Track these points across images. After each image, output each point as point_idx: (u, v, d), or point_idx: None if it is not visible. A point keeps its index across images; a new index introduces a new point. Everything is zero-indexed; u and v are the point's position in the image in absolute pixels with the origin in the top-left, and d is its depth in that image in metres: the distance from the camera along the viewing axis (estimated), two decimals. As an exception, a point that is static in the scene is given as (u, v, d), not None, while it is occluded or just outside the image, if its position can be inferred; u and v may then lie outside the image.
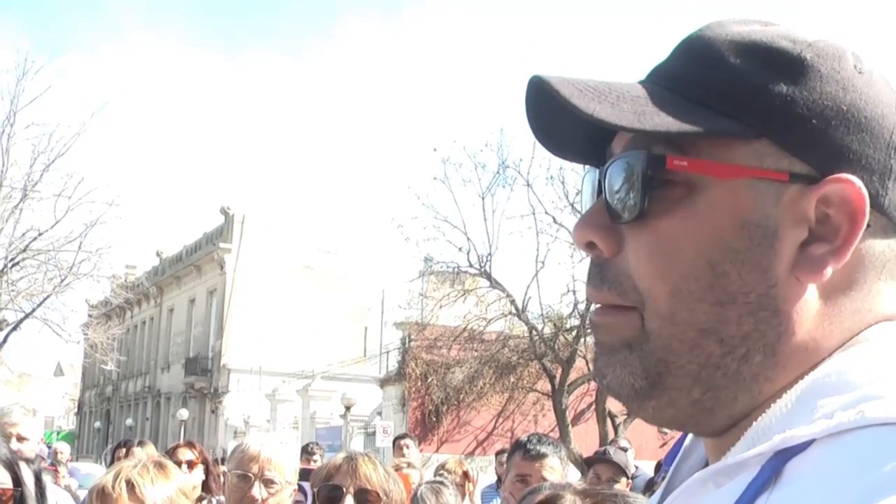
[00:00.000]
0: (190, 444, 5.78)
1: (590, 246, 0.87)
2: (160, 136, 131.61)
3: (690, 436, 0.98)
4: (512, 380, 28.99)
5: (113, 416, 60.79)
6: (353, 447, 23.46)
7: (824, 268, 0.80)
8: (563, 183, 23.42)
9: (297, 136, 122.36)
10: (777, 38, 0.84)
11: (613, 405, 22.86)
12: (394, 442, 9.77)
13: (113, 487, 2.57)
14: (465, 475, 7.00)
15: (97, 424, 62.12)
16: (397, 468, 5.49)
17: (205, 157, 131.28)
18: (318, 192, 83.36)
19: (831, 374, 0.78)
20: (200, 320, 50.26)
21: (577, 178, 20.44)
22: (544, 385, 26.53)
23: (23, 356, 59.91)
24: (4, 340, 30.03)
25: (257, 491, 3.30)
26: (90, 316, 40.78)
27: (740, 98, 0.81)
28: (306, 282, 47.33)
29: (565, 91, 0.82)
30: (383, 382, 31.20)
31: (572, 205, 22.97)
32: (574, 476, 7.86)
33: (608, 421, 23.37)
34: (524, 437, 4.17)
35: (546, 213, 23.84)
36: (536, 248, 24.35)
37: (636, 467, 8.08)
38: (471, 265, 25.57)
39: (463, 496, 6.51)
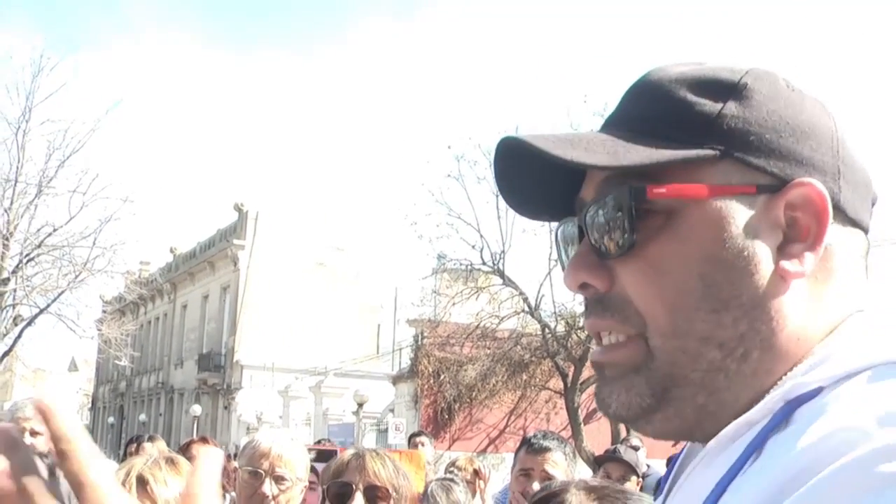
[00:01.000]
0: (203, 440, 5.80)
1: (583, 287, 0.93)
2: (174, 133, 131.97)
3: (688, 446, 1.02)
4: (524, 378, 28.97)
5: (126, 411, 61.00)
6: (365, 444, 23.52)
7: (804, 263, 0.87)
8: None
9: (311, 133, 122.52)
10: (717, 71, 0.92)
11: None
12: (409, 439, 9.77)
13: (123, 485, 2.57)
14: (477, 473, 6.99)
15: (111, 420, 62.34)
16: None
17: (218, 154, 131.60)
18: (331, 189, 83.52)
19: (827, 348, 0.86)
20: (214, 316, 50.38)
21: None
22: (557, 383, 26.51)
23: (37, 351, 60.20)
24: (19, 336, 30.16)
25: (268, 487, 3.30)
26: (104, 311, 40.94)
27: (699, 125, 0.89)
28: (319, 278, 47.40)
29: (542, 144, 0.89)
30: (396, 379, 31.23)
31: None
32: (585, 475, 7.85)
33: (620, 420, 23.33)
34: (530, 434, 4.20)
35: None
36: (550, 245, 24.31)
37: (648, 466, 8.06)
38: (484, 263, 25.57)
39: (474, 494, 6.51)
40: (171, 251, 57.54)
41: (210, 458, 0.99)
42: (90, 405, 72.31)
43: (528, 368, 28.63)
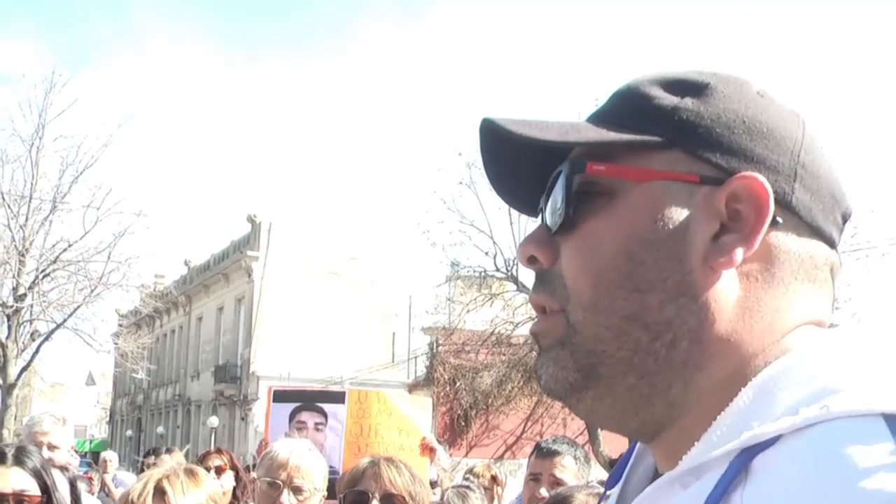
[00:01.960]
0: (219, 451, 5.82)
1: (531, 260, 0.95)
2: (186, 145, 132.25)
3: (636, 451, 1.02)
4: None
5: (144, 424, 61.13)
6: (382, 453, 23.50)
7: (732, 254, 0.86)
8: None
9: (322, 142, 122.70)
10: (688, 73, 0.95)
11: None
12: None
13: (140, 495, 2.59)
14: (494, 479, 7.00)
15: (129, 433, 62.47)
16: None
17: (230, 165, 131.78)
18: (344, 198, 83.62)
19: (784, 371, 0.83)
20: (229, 328, 50.45)
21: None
22: (573, 388, 26.48)
23: (55, 366, 60.33)
24: (37, 351, 30.25)
25: (286, 498, 3.33)
26: (120, 325, 41.10)
27: (653, 116, 0.91)
28: (333, 288, 47.45)
29: (504, 122, 0.92)
30: (412, 388, 31.21)
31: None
32: (602, 478, 7.83)
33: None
34: (542, 439, 4.20)
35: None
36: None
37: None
38: (497, 269, 25.58)
39: (491, 500, 6.53)
40: (186, 264, 57.66)
41: None
42: (108, 418, 72.48)
43: (543, 374, 28.62)
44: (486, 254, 25.42)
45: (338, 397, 5.37)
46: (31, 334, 29.93)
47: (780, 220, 0.87)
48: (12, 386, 28.47)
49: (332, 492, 3.93)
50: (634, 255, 0.87)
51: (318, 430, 5.28)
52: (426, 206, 41.08)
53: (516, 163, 0.98)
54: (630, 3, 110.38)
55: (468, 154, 23.95)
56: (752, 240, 0.86)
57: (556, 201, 0.93)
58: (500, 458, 28.72)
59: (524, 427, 30.30)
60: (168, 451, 8.25)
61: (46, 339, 30.05)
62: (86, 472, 10.36)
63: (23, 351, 29.50)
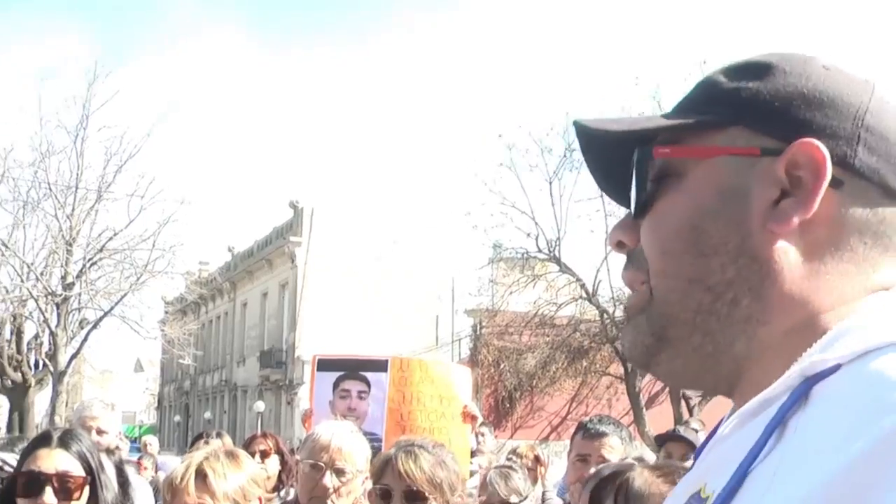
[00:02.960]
0: (265, 435, 5.85)
1: (619, 245, 1.04)
2: (227, 133, 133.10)
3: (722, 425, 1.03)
4: (584, 364, 28.88)
5: (192, 409, 61.79)
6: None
7: (791, 217, 0.89)
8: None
9: (362, 127, 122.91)
10: (753, 56, 1.00)
11: (688, 387, 22.65)
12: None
13: (183, 478, 2.62)
14: (537, 459, 7.00)
15: (177, 418, 63.19)
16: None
17: (272, 152, 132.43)
18: (385, 182, 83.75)
19: (849, 327, 0.85)
20: (273, 314, 50.78)
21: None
22: (617, 368, 26.42)
23: (104, 354, 61.05)
24: (85, 339, 30.71)
25: (329, 480, 3.34)
26: (166, 312, 41.54)
27: (718, 99, 0.97)
28: (376, 272, 47.54)
29: (585, 121, 1.01)
30: (456, 370, 31.23)
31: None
32: (648, 458, 7.80)
33: (683, 403, 23.18)
34: (586, 419, 4.15)
35: (614, 195, 23.69)
36: (605, 231, 24.19)
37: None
38: (540, 250, 25.55)
39: (535, 481, 6.52)
40: (230, 250, 58.06)
41: None
42: (156, 404, 73.39)
43: (587, 355, 28.54)
44: (528, 235, 25.41)
45: (380, 365, 5.40)
46: (80, 322, 30.41)
47: (842, 180, 0.90)
48: (63, 373, 28.91)
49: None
50: (698, 224, 0.94)
51: (361, 398, 5.32)
52: (467, 188, 41.03)
53: (607, 158, 1.05)
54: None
55: (508, 136, 23.92)
56: (811, 203, 0.89)
57: (634, 188, 1.01)
58: (545, 439, 28.74)
59: (569, 408, 30.28)
60: (218, 434, 8.32)
61: (94, 326, 30.50)
62: (138, 458, 10.51)
63: (72, 339, 29.97)
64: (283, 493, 5.26)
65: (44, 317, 29.73)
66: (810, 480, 0.73)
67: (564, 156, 25.18)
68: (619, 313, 25.02)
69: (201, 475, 2.61)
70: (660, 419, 23.97)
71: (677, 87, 23.67)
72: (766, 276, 0.90)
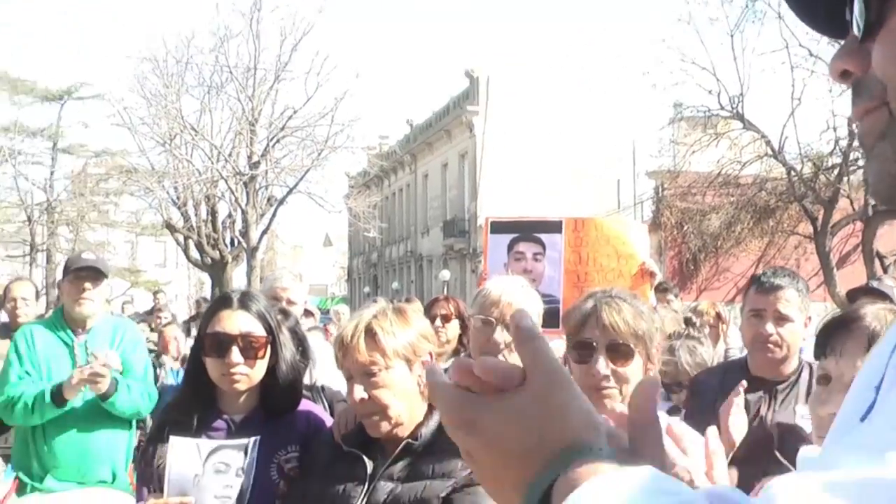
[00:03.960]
0: (447, 299, 5.87)
1: (844, 75, 0.94)
2: (399, 3, 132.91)
3: None
4: (771, 224, 28.01)
5: (380, 280, 63.63)
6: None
7: None
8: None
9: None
10: None
11: (882, 245, 21.75)
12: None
13: (352, 336, 2.65)
14: (718, 317, 6.88)
15: (366, 290, 65.21)
16: None
17: (445, 21, 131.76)
18: (559, 46, 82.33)
19: None
20: (454, 183, 51.28)
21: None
22: (806, 227, 25.59)
23: (294, 230, 63.27)
24: (273, 215, 31.97)
25: (499, 335, 3.34)
26: (350, 187, 42.58)
27: None
28: (554, 138, 47.15)
29: None
30: (638, 233, 30.96)
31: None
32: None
33: (876, 262, 22.32)
34: (761, 272, 3.92)
35: (800, 45, 22.61)
36: (791, 84, 23.22)
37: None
38: (722, 108, 24.75)
39: (716, 339, 6.41)
40: (408, 123, 58.65)
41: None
42: (346, 277, 75.91)
43: (774, 214, 27.65)
44: (710, 92, 24.54)
45: (555, 226, 5.33)
46: (268, 200, 31.63)
47: None
48: (255, 249, 30.24)
49: (551, 322, 3.90)
50: None
51: (536, 260, 5.28)
52: (645, 46, 39.82)
53: None
54: None
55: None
56: None
57: (857, 8, 0.91)
58: (731, 301, 28.26)
59: (755, 269, 29.58)
60: (407, 300, 8.50)
61: (281, 203, 31.66)
62: (324, 325, 10.97)
63: (262, 216, 31.23)
64: (462, 356, 5.27)
65: (234, 196, 31.04)
66: None
67: (746, 6, 24.01)
68: (806, 170, 24.11)
69: (370, 333, 2.63)
70: (851, 279, 23.13)
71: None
72: None
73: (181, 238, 33.03)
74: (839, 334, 2.27)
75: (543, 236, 5.31)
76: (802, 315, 3.57)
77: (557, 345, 2.93)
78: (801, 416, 3.09)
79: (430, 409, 2.67)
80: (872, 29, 0.89)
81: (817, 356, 2.34)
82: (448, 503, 2.56)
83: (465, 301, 5.48)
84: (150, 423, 5.38)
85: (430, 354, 2.74)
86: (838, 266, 23.98)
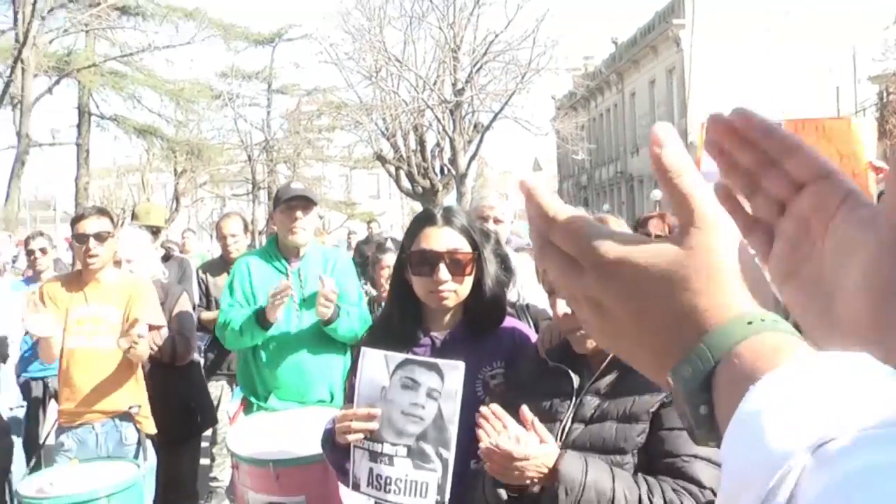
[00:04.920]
0: (660, 216, 5.78)
1: None
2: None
3: None
4: None
5: (591, 202, 63.13)
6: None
7: None
8: None
9: None
10: None
11: None
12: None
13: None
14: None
15: (578, 212, 65.01)
16: None
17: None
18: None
19: None
20: (662, 100, 50.05)
21: None
22: None
23: (502, 156, 63.55)
24: (480, 141, 32.11)
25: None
26: (557, 109, 42.27)
27: None
28: (767, 47, 45.18)
29: None
30: (861, 141, 29.42)
31: None
32: None
33: None
34: None
35: None
36: None
37: None
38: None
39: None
40: (613, 42, 57.52)
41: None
42: (557, 200, 75.75)
43: None
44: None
45: None
46: (475, 126, 31.76)
47: None
48: (464, 176, 30.52)
49: None
50: None
51: None
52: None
53: None
54: None
55: None
56: None
57: None
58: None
59: None
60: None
61: (487, 128, 31.71)
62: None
63: (469, 142, 31.42)
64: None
65: (441, 124, 31.34)
66: None
67: None
68: None
69: None
70: None
71: None
72: None
73: (392, 169, 33.67)
74: None
75: None
76: None
77: None
78: None
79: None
80: None
81: None
82: (657, 418, 2.50)
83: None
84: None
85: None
86: None
